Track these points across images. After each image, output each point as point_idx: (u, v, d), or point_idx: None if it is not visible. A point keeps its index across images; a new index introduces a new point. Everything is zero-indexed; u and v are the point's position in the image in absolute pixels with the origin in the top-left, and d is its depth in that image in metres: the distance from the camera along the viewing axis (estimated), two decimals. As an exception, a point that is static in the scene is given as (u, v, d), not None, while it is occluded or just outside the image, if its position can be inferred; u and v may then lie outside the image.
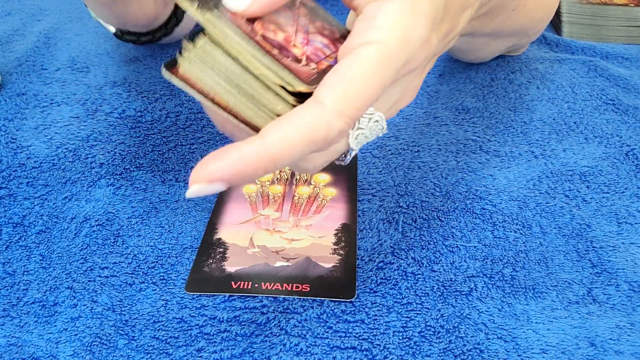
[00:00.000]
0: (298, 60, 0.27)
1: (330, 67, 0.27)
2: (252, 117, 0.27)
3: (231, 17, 0.26)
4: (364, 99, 0.26)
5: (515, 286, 0.35)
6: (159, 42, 0.58)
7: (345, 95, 0.25)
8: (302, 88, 0.26)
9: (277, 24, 0.27)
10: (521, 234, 0.39)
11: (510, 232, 0.39)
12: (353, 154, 0.30)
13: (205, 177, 0.24)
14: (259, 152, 0.24)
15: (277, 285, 0.35)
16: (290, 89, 0.26)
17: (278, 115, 0.26)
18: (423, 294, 0.35)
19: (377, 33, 0.26)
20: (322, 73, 0.27)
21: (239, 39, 0.25)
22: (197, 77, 0.26)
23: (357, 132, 0.28)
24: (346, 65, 0.25)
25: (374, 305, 0.34)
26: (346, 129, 0.26)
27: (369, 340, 0.32)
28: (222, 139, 0.48)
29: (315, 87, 0.26)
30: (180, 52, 0.26)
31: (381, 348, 0.32)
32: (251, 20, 0.26)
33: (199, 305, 0.34)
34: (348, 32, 0.29)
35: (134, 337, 0.33)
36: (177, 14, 0.54)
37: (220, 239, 0.38)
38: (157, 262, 0.37)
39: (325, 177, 0.43)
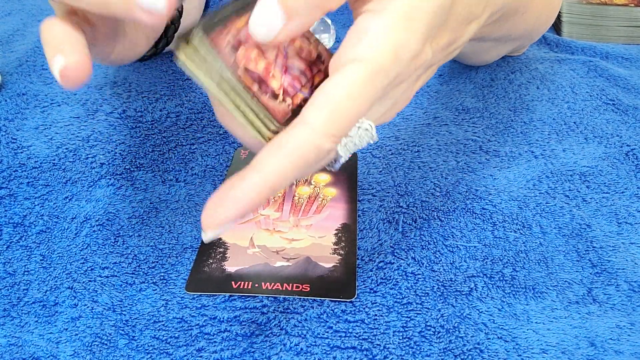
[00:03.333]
0: (275, 96, 0.27)
1: (305, 100, 0.28)
2: (241, 121, 0.28)
3: (212, 42, 0.26)
4: (351, 117, 0.26)
5: (515, 286, 0.35)
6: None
7: (333, 116, 0.25)
8: (275, 129, 0.27)
9: (259, 47, 0.28)
10: (521, 234, 0.39)
11: (511, 232, 0.39)
12: (342, 160, 0.30)
13: (216, 223, 0.26)
14: (258, 187, 0.25)
15: (277, 285, 0.35)
16: (265, 130, 0.27)
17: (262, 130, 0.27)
18: (423, 294, 0.35)
19: (366, 50, 0.25)
20: (297, 109, 0.27)
21: (223, 72, 0.26)
22: (194, 70, 0.27)
23: (345, 139, 0.28)
24: (334, 85, 0.25)
25: (374, 305, 0.34)
26: (335, 147, 0.26)
27: (369, 340, 0.32)
28: (222, 139, 0.48)
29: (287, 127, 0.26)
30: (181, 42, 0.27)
31: (381, 348, 0.32)
32: (236, 47, 0.26)
33: (199, 305, 0.34)
34: (326, 50, 0.30)
35: (134, 337, 0.33)
36: (168, 33, 0.52)
37: (220, 239, 0.38)
38: (157, 262, 0.37)
39: (326, 177, 0.43)
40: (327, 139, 0.26)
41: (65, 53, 0.27)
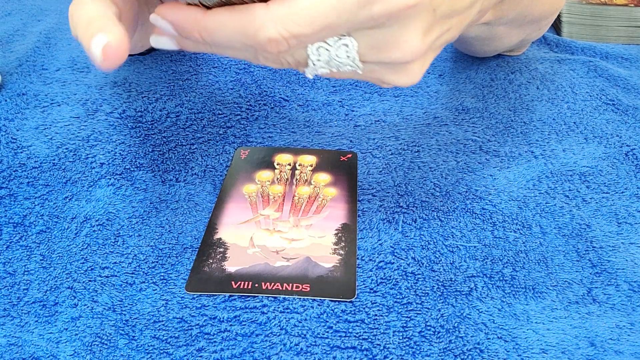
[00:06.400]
0: None
1: None
2: None
3: None
4: (309, 18, 0.27)
5: (515, 286, 0.35)
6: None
7: (289, 7, 0.27)
8: None
9: None
10: (521, 234, 0.39)
11: (510, 232, 0.39)
12: (313, 70, 0.30)
13: (160, 14, 0.29)
14: (197, 17, 0.28)
15: (277, 285, 0.35)
16: None
17: None
18: (423, 294, 0.35)
19: None
20: None
21: None
22: None
23: (319, 44, 0.29)
24: None
25: (374, 305, 0.34)
26: (279, 39, 0.27)
27: (369, 340, 0.32)
28: (222, 139, 0.48)
29: None
30: None
31: (381, 348, 0.32)
32: None
33: (199, 305, 0.34)
34: None
35: (134, 337, 0.33)
36: None
37: (220, 239, 0.38)
38: (157, 262, 0.37)
39: (326, 177, 0.43)
40: (273, 25, 0.27)
41: (106, 30, 0.27)
